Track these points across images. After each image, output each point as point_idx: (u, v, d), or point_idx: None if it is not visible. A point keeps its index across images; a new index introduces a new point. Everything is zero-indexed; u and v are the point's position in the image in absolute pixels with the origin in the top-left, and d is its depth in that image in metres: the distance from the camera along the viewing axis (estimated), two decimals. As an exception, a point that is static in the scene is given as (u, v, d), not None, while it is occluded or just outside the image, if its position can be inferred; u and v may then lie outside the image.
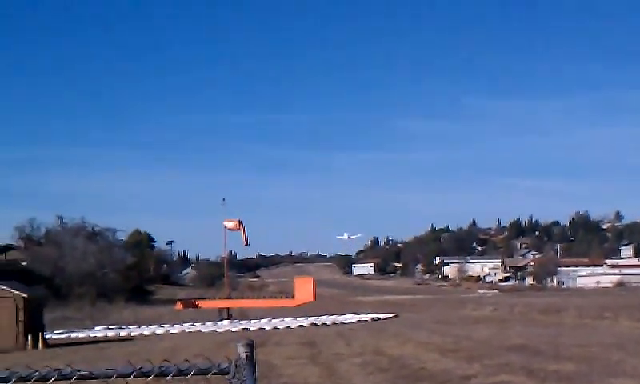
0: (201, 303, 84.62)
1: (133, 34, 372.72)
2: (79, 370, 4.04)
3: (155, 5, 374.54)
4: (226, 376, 4.25)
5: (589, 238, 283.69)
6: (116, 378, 4.07)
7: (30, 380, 3.97)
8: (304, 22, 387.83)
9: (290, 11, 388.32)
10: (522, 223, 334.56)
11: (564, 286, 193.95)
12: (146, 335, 59.49)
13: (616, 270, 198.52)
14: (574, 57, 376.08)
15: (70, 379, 4.00)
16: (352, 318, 72.30)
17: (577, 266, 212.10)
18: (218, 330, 61.54)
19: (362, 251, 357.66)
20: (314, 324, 64.98)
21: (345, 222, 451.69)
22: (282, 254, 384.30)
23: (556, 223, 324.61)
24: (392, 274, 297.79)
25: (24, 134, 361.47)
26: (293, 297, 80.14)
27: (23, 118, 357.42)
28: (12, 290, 48.84)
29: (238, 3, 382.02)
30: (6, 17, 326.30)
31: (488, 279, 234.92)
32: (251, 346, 4.32)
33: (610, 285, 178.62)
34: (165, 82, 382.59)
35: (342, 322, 66.76)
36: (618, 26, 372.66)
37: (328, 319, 70.42)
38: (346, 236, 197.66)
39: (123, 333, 62.38)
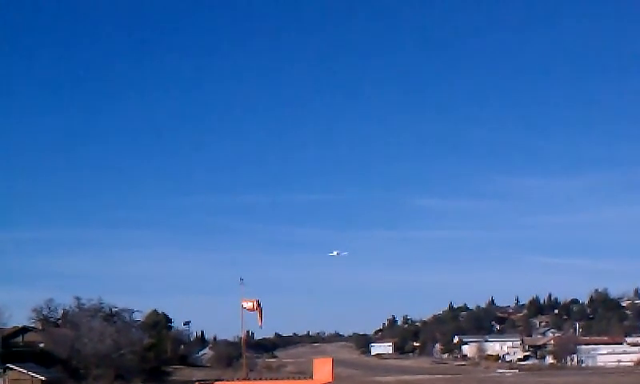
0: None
1: (148, 116, 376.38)
2: None
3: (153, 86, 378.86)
4: None
5: (608, 316, 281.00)
6: None
7: None
8: (318, 97, 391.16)
9: (307, 88, 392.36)
10: (541, 301, 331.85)
11: (584, 365, 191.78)
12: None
13: (636, 348, 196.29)
14: (593, 136, 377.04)
15: None
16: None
17: (597, 344, 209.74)
18: (235, 412, 61.05)
19: (380, 330, 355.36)
20: (332, 405, 64.33)
21: (363, 301, 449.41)
22: (299, 334, 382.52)
23: (575, 301, 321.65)
24: (410, 354, 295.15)
25: (41, 216, 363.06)
26: (311, 377, 79.54)
27: (41, 200, 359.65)
28: (29, 373, 48.98)
29: (244, 79, 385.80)
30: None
31: (507, 358, 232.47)
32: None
33: (630, 363, 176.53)
34: (179, 163, 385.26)
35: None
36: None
37: (346, 400, 69.84)
38: (335, 253, 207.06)
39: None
